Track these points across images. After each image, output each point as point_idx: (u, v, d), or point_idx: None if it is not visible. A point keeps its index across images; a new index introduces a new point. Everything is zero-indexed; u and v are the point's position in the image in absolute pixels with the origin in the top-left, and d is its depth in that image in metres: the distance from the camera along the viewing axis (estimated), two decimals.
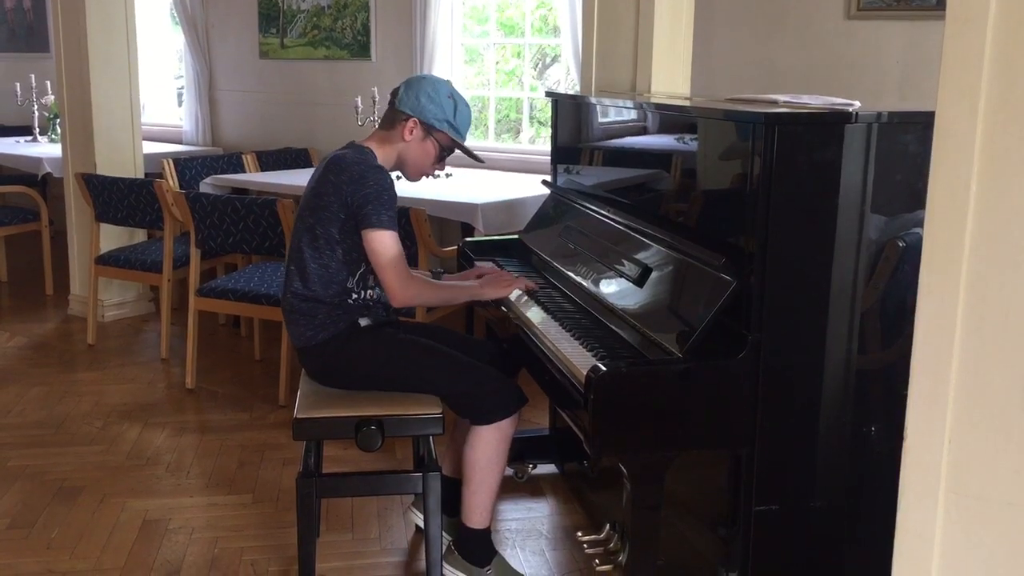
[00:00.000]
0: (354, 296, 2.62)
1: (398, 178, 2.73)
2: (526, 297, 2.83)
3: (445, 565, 2.65)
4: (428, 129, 2.65)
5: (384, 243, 2.52)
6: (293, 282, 2.63)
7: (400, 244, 2.56)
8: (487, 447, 2.54)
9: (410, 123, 2.64)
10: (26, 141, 6.64)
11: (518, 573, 2.66)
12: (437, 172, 2.84)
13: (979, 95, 1.15)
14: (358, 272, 2.61)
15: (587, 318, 2.56)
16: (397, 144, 2.67)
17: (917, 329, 1.25)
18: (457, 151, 2.75)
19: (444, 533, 2.72)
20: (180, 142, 6.80)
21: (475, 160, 2.87)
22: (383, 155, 2.66)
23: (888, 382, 2.15)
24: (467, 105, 2.72)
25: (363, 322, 2.64)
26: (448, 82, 2.74)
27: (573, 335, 2.41)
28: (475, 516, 2.61)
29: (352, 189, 2.51)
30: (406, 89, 2.67)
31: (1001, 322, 1.16)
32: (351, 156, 2.60)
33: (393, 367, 2.60)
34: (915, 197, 2.01)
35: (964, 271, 1.18)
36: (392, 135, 2.67)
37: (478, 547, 2.63)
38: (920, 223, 1.24)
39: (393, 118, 2.68)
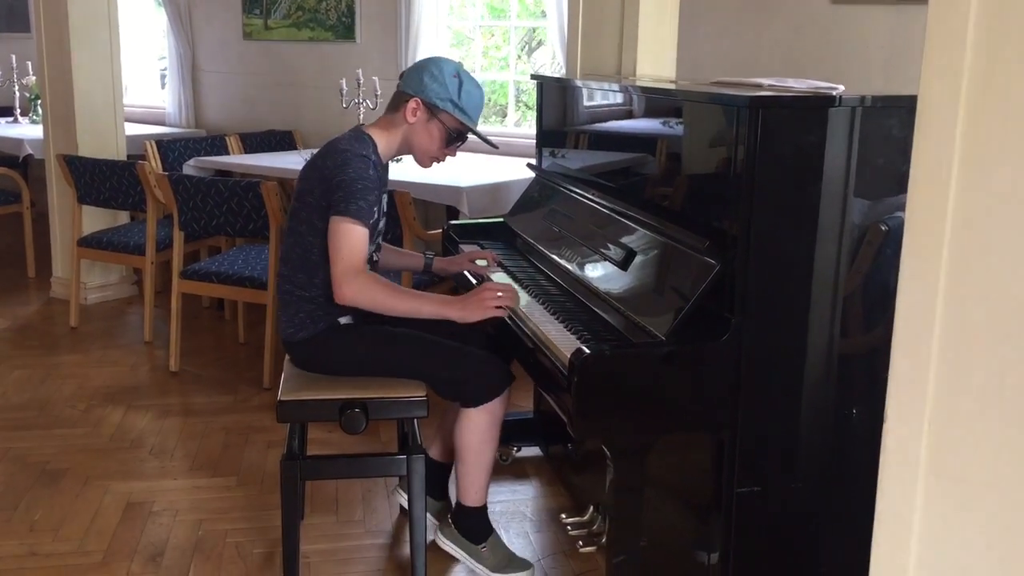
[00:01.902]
0: None
1: (398, 160, 2.68)
2: (511, 281, 2.83)
3: (442, 537, 2.67)
4: (431, 110, 2.57)
5: (343, 230, 2.40)
6: (281, 266, 2.61)
7: (364, 240, 2.41)
8: (477, 429, 2.54)
9: (412, 103, 2.57)
10: (7, 122, 6.57)
11: (513, 553, 2.67)
12: (449, 155, 2.68)
13: (961, 79, 1.15)
14: None
15: (571, 301, 2.56)
16: (402, 127, 2.60)
17: (898, 312, 1.26)
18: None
19: (429, 515, 2.73)
20: (163, 124, 6.75)
21: (489, 145, 2.76)
22: (387, 141, 2.60)
23: (870, 365, 2.16)
24: (477, 86, 2.62)
25: (343, 320, 2.60)
26: (458, 63, 2.66)
27: (557, 318, 2.41)
28: (471, 495, 2.62)
29: (331, 174, 2.45)
30: (411, 70, 2.63)
31: (982, 306, 1.16)
32: (344, 143, 2.53)
33: (374, 360, 2.57)
34: (898, 181, 2.02)
35: (945, 255, 1.19)
36: (396, 118, 2.60)
37: (475, 524, 2.65)
38: (903, 207, 1.25)
39: (397, 100, 2.62)
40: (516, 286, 2.63)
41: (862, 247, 2.08)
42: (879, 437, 1.30)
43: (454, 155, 2.71)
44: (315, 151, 2.64)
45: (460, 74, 2.60)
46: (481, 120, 2.71)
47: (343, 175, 2.44)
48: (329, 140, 2.60)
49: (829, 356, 2.11)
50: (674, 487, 2.48)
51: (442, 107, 2.56)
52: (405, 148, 2.65)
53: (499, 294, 2.46)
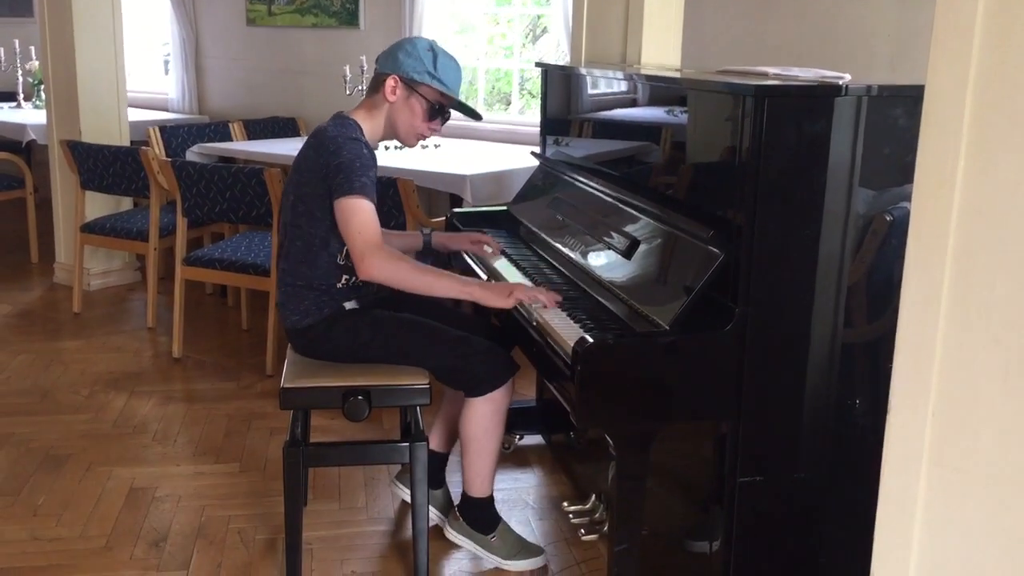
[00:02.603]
0: (344, 278, 2.57)
1: (399, 148, 2.69)
2: (514, 268, 2.83)
3: (451, 531, 2.67)
4: (410, 85, 2.57)
5: (352, 207, 2.39)
6: (281, 260, 2.61)
7: (374, 213, 2.41)
8: (482, 419, 2.54)
9: (390, 81, 2.57)
10: (10, 107, 6.56)
11: (523, 539, 2.68)
12: (434, 130, 2.67)
13: (969, 69, 1.14)
14: (345, 247, 2.51)
15: (575, 290, 2.55)
16: (383, 107, 2.60)
17: (903, 303, 1.25)
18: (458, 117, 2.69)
19: (431, 506, 2.74)
20: (166, 110, 6.74)
21: (472, 116, 2.75)
22: (372, 124, 2.61)
23: (873, 355, 2.16)
24: (452, 58, 2.62)
25: (349, 305, 2.60)
26: (431, 40, 2.67)
27: (561, 307, 2.41)
28: (476, 485, 2.62)
29: (326, 160, 2.45)
30: (385, 51, 2.63)
31: (986, 296, 1.16)
32: (331, 129, 2.52)
33: (378, 346, 2.56)
34: (904, 171, 2.01)
35: (951, 245, 1.19)
36: (376, 99, 2.61)
37: (482, 514, 2.65)
38: (908, 197, 1.25)
39: (376, 81, 2.62)
40: (525, 279, 2.63)
41: (867, 237, 2.07)
42: (882, 427, 1.30)
43: (438, 130, 2.69)
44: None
45: (434, 48, 2.61)
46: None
47: (339, 158, 2.43)
48: (314, 130, 2.60)
49: (832, 346, 2.11)
50: (676, 476, 2.48)
51: (420, 80, 2.57)
52: (389, 131, 2.64)
53: (541, 299, 2.40)
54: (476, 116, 2.77)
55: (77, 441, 3.40)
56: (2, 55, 6.57)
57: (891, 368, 1.28)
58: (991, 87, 1.13)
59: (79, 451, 3.32)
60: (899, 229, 2.03)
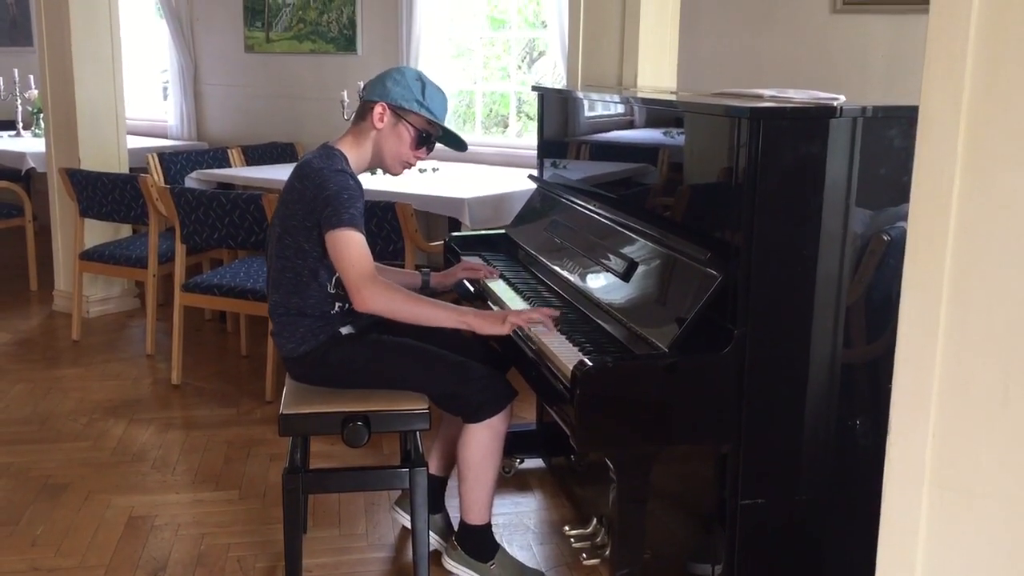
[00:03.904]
0: (338, 305, 2.58)
1: (384, 173, 2.69)
2: (512, 291, 2.83)
3: (449, 561, 2.65)
4: (398, 112, 2.58)
5: (344, 240, 2.40)
6: (272, 293, 2.61)
7: (365, 245, 2.42)
8: (480, 445, 2.53)
9: (378, 108, 2.57)
10: (9, 136, 6.59)
11: (523, 565, 2.66)
12: (419, 158, 2.69)
13: (962, 89, 1.15)
14: (335, 276, 2.52)
15: (573, 312, 2.55)
16: (370, 135, 2.60)
17: (901, 323, 1.25)
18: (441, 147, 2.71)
19: (431, 531, 2.72)
20: (166, 136, 6.76)
21: (458, 146, 2.74)
22: (358, 153, 2.61)
23: (873, 376, 2.15)
24: (438, 89, 2.64)
25: (345, 331, 2.59)
26: (417, 70, 2.70)
27: (559, 329, 2.40)
28: (473, 513, 2.60)
29: (313, 193, 2.46)
30: (372, 80, 2.64)
31: (984, 316, 1.16)
32: (316, 161, 2.53)
33: (375, 372, 2.56)
34: (900, 191, 2.01)
35: (948, 265, 1.19)
36: (364, 127, 2.61)
37: (480, 542, 2.63)
38: (905, 217, 1.24)
39: (363, 109, 2.63)
40: (523, 302, 2.62)
41: (864, 257, 2.07)
42: (883, 448, 1.29)
43: (424, 158, 2.72)
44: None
45: (422, 78, 2.63)
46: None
47: (326, 191, 2.44)
48: (299, 162, 2.60)
49: (832, 367, 2.11)
50: (678, 499, 2.47)
51: (408, 107, 2.58)
52: (376, 159, 2.65)
53: (537, 318, 2.41)
54: (462, 146, 2.78)
55: (76, 469, 3.38)
56: (2, 84, 6.60)
57: (891, 388, 1.27)
58: (985, 106, 1.13)
59: (78, 480, 3.30)
60: (897, 249, 2.03)
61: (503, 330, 2.43)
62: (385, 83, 2.60)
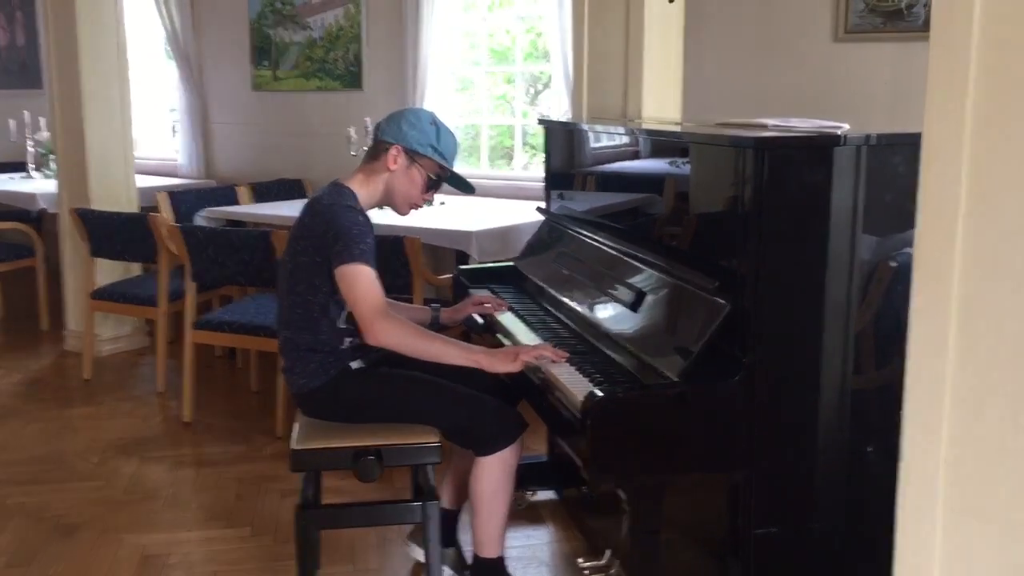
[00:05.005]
0: (348, 340, 2.59)
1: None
2: (522, 323, 2.83)
3: None
4: (412, 156, 2.61)
5: (354, 274, 2.42)
6: (282, 329, 2.62)
7: (376, 280, 2.44)
8: (491, 478, 2.52)
9: (393, 151, 2.60)
10: (20, 177, 6.64)
11: None
12: (427, 200, 2.75)
13: (965, 115, 1.16)
14: (345, 311, 2.55)
15: (582, 343, 2.56)
16: (382, 175, 2.63)
17: (910, 349, 1.25)
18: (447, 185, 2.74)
19: (444, 565, 2.71)
20: (175, 175, 6.82)
21: (465, 189, 2.78)
22: (368, 191, 2.63)
23: (884, 402, 2.15)
24: (451, 133, 2.69)
25: (355, 365, 2.60)
26: (431, 112, 2.73)
27: (569, 361, 2.41)
28: (487, 546, 2.59)
29: (323, 230, 2.48)
30: (388, 120, 2.67)
31: (994, 341, 1.16)
32: (326, 198, 2.56)
33: (386, 406, 2.57)
34: (906, 218, 2.01)
35: (955, 291, 1.19)
36: (377, 166, 2.64)
37: None
38: (912, 243, 1.25)
39: (376, 149, 2.65)
40: (533, 335, 2.63)
41: (872, 284, 2.08)
42: (896, 474, 1.29)
43: (431, 200, 2.74)
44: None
45: (436, 122, 2.67)
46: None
47: (336, 227, 2.46)
48: (309, 199, 2.63)
49: (843, 393, 2.10)
50: (691, 529, 2.46)
51: (423, 152, 2.61)
52: (386, 197, 2.67)
53: (548, 355, 2.42)
54: (470, 189, 2.80)
55: (88, 508, 3.38)
56: (13, 126, 6.67)
57: (902, 414, 1.27)
58: (988, 133, 1.14)
59: (91, 519, 3.30)
60: (904, 275, 2.03)
61: (514, 367, 2.43)
62: (401, 126, 2.62)
